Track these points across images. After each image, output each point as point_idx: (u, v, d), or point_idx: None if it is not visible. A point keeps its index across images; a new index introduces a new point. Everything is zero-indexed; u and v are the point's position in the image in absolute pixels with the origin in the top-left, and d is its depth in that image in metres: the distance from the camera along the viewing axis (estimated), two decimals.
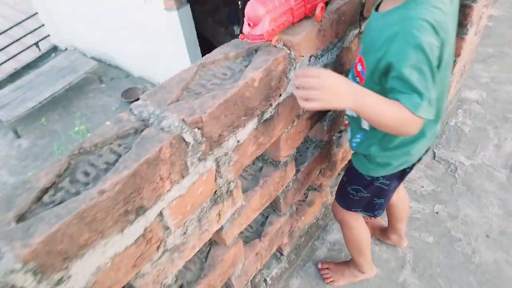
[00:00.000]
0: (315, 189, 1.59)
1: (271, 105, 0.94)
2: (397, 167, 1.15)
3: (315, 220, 1.68)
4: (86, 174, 0.68)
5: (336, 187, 1.38)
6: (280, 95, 0.96)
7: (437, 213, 1.84)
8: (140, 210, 0.71)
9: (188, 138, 0.75)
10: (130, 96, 5.42)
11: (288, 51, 0.92)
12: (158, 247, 0.81)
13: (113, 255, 0.70)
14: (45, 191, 0.66)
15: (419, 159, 1.19)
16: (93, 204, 0.61)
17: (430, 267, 1.63)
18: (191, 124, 0.74)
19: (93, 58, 6.16)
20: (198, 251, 0.97)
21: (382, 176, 1.18)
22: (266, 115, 0.95)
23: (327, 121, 1.31)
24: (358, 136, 1.13)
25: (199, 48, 5.36)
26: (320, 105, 0.81)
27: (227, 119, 0.82)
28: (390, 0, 0.91)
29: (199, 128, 0.76)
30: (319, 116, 1.24)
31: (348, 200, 1.30)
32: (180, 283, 1.00)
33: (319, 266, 1.64)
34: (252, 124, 0.91)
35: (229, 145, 0.87)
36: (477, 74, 2.63)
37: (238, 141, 0.90)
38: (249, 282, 1.35)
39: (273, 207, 1.34)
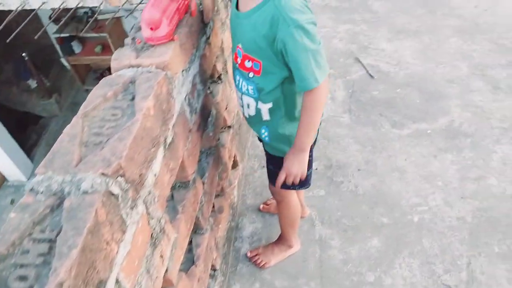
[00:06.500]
0: (218, 195, 1.62)
1: (169, 128, 0.93)
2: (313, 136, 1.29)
3: (228, 224, 1.71)
4: (23, 278, 0.56)
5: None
6: (173, 115, 0.95)
7: (316, 169, 2.08)
8: (100, 285, 0.63)
9: (115, 190, 0.69)
10: None
11: (164, 72, 0.92)
12: None
13: None
14: None
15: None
16: None
17: (332, 214, 1.86)
18: (113, 174, 0.68)
19: None
20: None
21: None
22: (169, 139, 0.93)
23: (210, 127, 1.35)
24: (263, 129, 1.22)
25: None
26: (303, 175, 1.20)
27: (140, 156, 0.78)
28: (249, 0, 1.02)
29: (121, 176, 0.71)
30: (203, 124, 1.27)
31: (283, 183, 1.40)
32: None
33: (249, 255, 1.70)
34: (160, 153, 0.89)
35: (150, 182, 0.83)
36: None
37: (155, 174, 0.86)
38: None
39: (194, 228, 1.32)
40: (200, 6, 1.21)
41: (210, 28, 1.32)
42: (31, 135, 5.84)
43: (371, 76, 2.69)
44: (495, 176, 1.96)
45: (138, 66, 0.93)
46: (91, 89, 0.87)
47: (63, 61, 5.98)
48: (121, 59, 0.95)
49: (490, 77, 2.58)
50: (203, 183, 1.30)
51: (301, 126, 1.13)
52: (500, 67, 2.65)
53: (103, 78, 0.91)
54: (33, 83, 5.83)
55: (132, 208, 0.75)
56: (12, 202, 5.06)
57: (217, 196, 1.62)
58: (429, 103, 2.43)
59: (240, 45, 1.11)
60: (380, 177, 2.00)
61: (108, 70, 6.36)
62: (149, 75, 0.90)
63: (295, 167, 1.17)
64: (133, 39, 1.03)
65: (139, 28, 1.05)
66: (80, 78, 6.05)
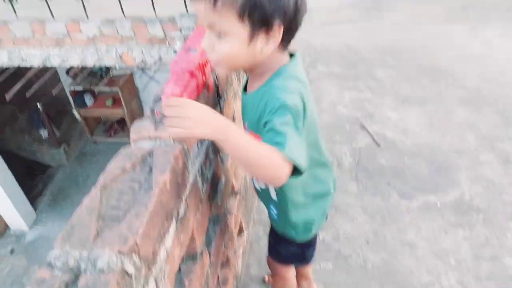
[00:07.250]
0: (223, 264, 1.57)
1: (182, 201, 0.93)
2: (322, 220, 1.26)
3: None
4: None
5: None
6: (187, 187, 0.96)
7: (323, 240, 2.04)
8: None
9: (130, 268, 0.67)
10: None
11: (181, 145, 0.94)
12: None
13: None
14: None
15: None
16: None
17: None
18: (129, 252, 0.67)
19: None
20: None
21: None
22: (181, 212, 0.93)
23: (218, 194, 1.35)
24: (272, 206, 1.21)
25: (5, 166, 4.71)
26: (182, 133, 0.84)
27: (155, 231, 0.77)
28: (256, 81, 1.05)
29: (135, 253, 0.70)
30: (213, 193, 1.27)
31: (280, 257, 1.38)
32: None
33: None
34: (173, 227, 0.88)
35: (162, 258, 0.82)
36: None
37: (167, 249, 0.85)
38: None
39: None
40: (216, 80, 1.27)
41: (224, 100, 1.37)
42: (37, 184, 5.88)
43: (378, 144, 2.72)
44: (511, 256, 1.89)
45: (156, 138, 0.95)
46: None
47: (75, 113, 6.17)
48: (140, 131, 0.97)
49: (500, 150, 2.58)
50: (209, 254, 1.27)
51: (247, 146, 0.83)
52: (509, 140, 2.67)
53: (123, 149, 0.93)
54: (44, 133, 5.99)
55: (143, 286, 0.73)
56: (12, 251, 4.98)
57: (222, 266, 1.57)
58: (437, 174, 2.43)
59: (246, 124, 1.14)
60: (390, 251, 1.95)
61: (117, 123, 6.48)
62: (166, 148, 0.91)
63: (198, 124, 0.81)
64: (152, 111, 1.06)
65: (158, 99, 1.09)
66: (89, 130, 6.21)
